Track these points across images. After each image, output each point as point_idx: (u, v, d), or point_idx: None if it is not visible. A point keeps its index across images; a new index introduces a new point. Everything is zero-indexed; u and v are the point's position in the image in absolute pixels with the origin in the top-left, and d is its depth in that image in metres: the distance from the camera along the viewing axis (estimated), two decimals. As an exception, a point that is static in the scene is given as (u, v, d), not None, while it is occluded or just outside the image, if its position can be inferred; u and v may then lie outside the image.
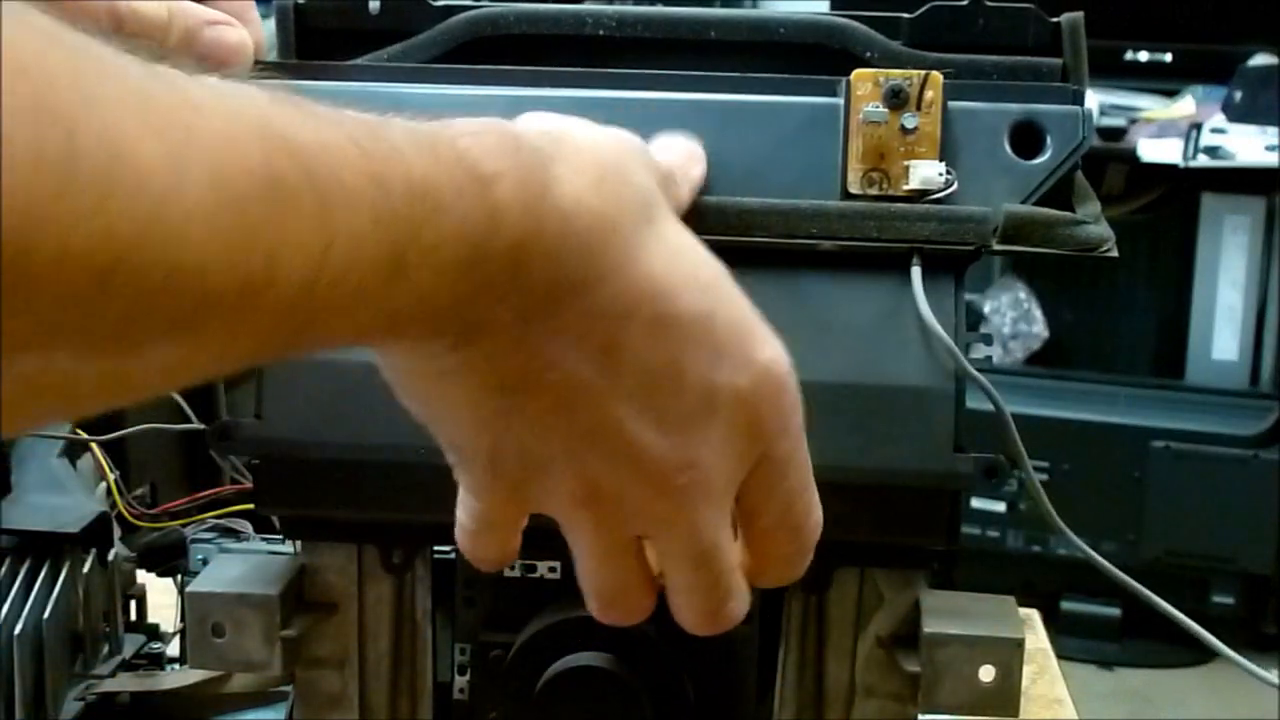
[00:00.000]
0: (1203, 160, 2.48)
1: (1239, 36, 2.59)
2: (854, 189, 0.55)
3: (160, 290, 0.31)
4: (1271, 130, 2.46)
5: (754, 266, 0.54)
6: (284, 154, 0.34)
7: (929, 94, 0.55)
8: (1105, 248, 0.55)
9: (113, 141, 0.29)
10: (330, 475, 0.57)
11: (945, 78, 0.55)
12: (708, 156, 0.55)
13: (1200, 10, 2.65)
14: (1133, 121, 2.59)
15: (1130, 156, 2.54)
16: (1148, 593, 0.62)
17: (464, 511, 0.48)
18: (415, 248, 0.38)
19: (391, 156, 0.37)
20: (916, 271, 0.55)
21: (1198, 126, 2.52)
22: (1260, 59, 2.57)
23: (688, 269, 0.45)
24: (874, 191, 0.55)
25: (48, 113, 0.27)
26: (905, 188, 0.55)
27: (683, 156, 0.53)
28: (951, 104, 0.56)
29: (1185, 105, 2.61)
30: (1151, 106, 2.63)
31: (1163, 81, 2.66)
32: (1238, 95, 2.53)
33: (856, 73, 0.56)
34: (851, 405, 0.54)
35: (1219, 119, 2.54)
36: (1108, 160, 2.56)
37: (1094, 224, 0.55)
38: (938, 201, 0.55)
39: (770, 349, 0.46)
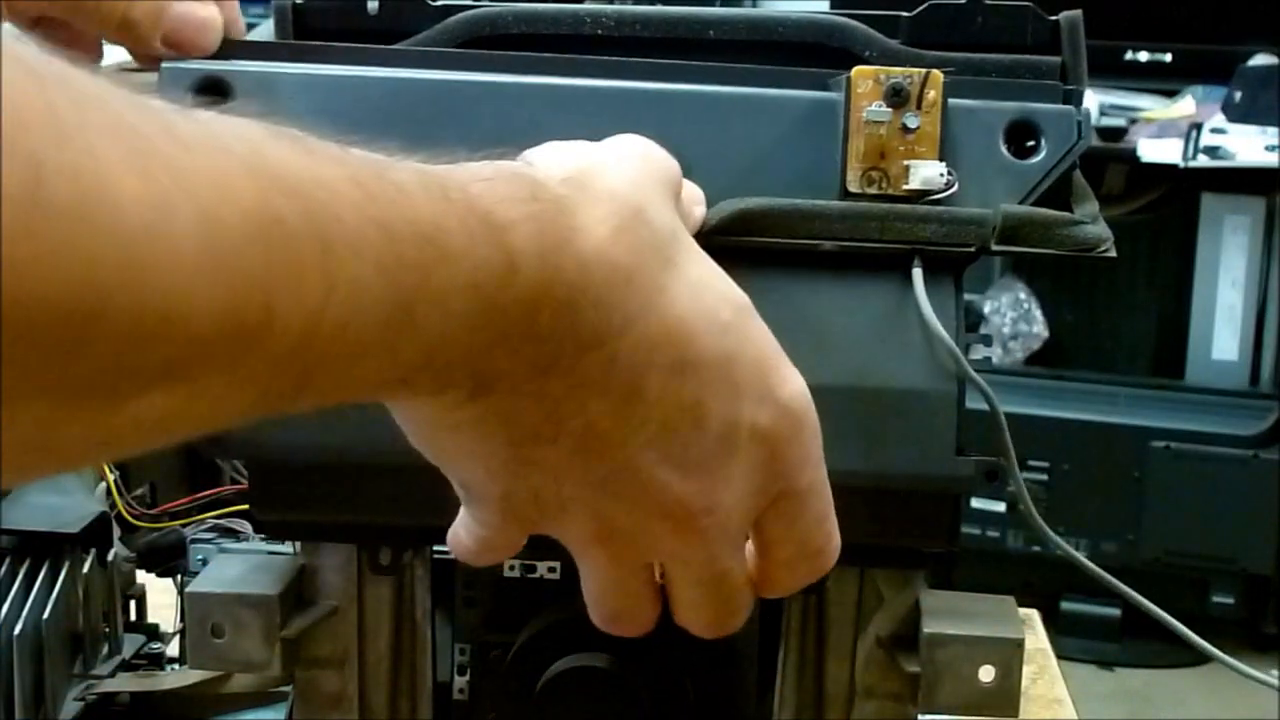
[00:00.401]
0: (1203, 160, 2.48)
1: (1239, 36, 2.59)
2: (853, 188, 0.55)
3: (146, 337, 0.29)
4: (1271, 130, 2.46)
5: (754, 268, 0.54)
6: (280, 193, 0.32)
7: (930, 93, 0.54)
8: (1103, 248, 0.54)
9: (89, 178, 0.27)
10: (319, 479, 0.57)
11: (944, 76, 0.55)
12: (704, 152, 0.54)
13: (1200, 10, 2.65)
14: (1133, 121, 2.59)
15: (1130, 156, 2.54)
16: (1140, 597, 0.62)
17: (465, 532, 0.47)
18: (424, 296, 0.36)
19: (398, 199, 0.36)
20: (918, 274, 0.54)
21: (1198, 126, 2.52)
22: (1260, 59, 2.56)
23: (708, 308, 0.44)
24: (873, 191, 0.55)
25: (11, 146, 0.26)
26: (905, 187, 0.55)
27: (686, 198, 0.52)
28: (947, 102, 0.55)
29: (1185, 105, 2.61)
30: (1151, 106, 2.63)
31: (1163, 81, 2.66)
32: (1238, 95, 2.53)
33: (857, 70, 0.55)
34: (853, 408, 0.54)
35: (1219, 119, 2.54)
36: (1108, 160, 2.56)
37: (1092, 224, 0.55)
38: (937, 202, 0.55)
39: (790, 384, 0.45)
